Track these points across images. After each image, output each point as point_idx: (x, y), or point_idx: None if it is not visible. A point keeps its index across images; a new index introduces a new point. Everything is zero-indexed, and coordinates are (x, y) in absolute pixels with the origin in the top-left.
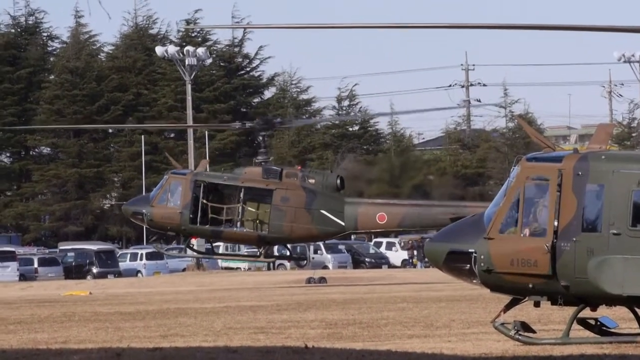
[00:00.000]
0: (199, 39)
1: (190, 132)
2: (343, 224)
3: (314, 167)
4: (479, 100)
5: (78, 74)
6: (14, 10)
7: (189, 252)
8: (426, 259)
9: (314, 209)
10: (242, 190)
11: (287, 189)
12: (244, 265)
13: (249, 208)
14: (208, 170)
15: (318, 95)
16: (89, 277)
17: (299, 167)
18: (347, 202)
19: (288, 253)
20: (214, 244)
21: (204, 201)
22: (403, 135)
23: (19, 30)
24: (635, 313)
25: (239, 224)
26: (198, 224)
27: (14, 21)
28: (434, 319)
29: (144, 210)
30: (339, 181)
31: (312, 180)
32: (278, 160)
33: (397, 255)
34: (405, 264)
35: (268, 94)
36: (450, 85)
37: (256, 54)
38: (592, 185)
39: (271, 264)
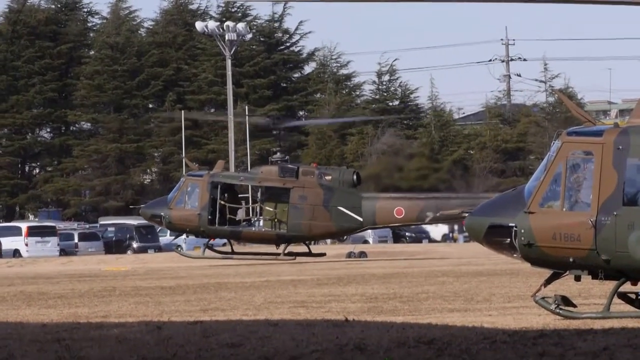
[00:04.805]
0: (239, 15)
1: (230, 107)
2: (361, 219)
3: (354, 141)
4: (519, 75)
5: (118, 50)
6: None
7: (208, 252)
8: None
9: (331, 206)
10: (259, 190)
11: (304, 187)
12: None
13: (267, 207)
14: (227, 170)
15: (358, 70)
16: (129, 251)
17: (315, 165)
18: (364, 198)
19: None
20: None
21: (222, 202)
22: (443, 110)
23: (59, 5)
24: None
25: (257, 223)
26: (216, 225)
27: None
28: (475, 293)
29: (162, 213)
30: (355, 177)
31: (328, 177)
32: (318, 135)
33: (437, 230)
34: (445, 238)
35: (308, 69)
36: (490, 60)
37: (296, 29)
38: (633, 160)
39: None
